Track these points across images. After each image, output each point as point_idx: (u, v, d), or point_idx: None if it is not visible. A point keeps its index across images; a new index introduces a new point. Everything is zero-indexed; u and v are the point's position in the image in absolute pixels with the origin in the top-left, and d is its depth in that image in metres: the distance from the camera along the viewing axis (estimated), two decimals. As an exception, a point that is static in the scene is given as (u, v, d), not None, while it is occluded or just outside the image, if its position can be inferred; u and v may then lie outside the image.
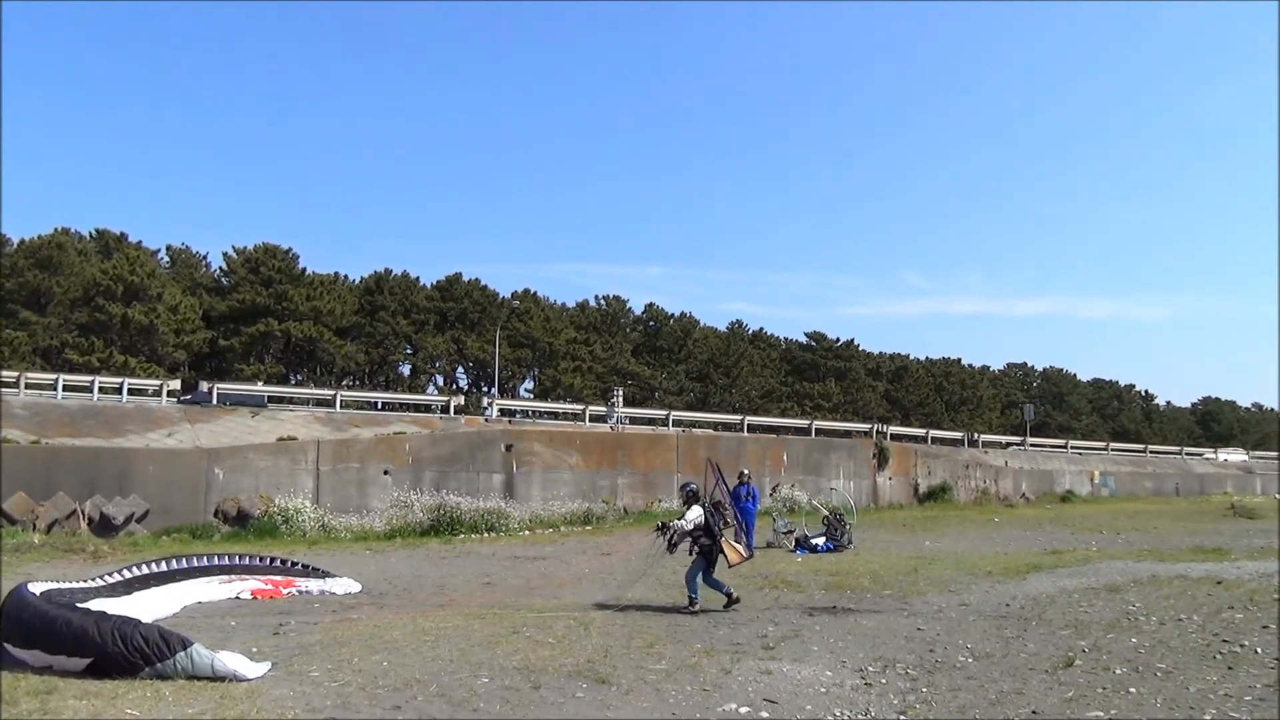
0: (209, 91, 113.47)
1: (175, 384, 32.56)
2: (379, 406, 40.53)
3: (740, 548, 13.00)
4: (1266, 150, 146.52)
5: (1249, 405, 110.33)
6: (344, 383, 54.18)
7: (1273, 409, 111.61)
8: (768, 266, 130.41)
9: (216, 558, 13.87)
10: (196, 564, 13.27)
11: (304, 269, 55.54)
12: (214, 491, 22.01)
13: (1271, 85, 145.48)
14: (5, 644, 8.37)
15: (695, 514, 12.58)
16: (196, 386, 32.49)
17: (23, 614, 8.43)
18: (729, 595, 12.45)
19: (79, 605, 8.96)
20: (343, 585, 14.01)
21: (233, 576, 13.37)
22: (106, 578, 11.61)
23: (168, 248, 57.28)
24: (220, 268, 56.93)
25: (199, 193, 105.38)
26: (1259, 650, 9.72)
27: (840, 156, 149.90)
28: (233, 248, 55.57)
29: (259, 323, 51.06)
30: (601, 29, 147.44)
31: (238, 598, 12.74)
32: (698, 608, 12.22)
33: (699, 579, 12.46)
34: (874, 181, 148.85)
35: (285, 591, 13.36)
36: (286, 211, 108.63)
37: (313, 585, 13.76)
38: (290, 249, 55.54)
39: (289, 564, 14.66)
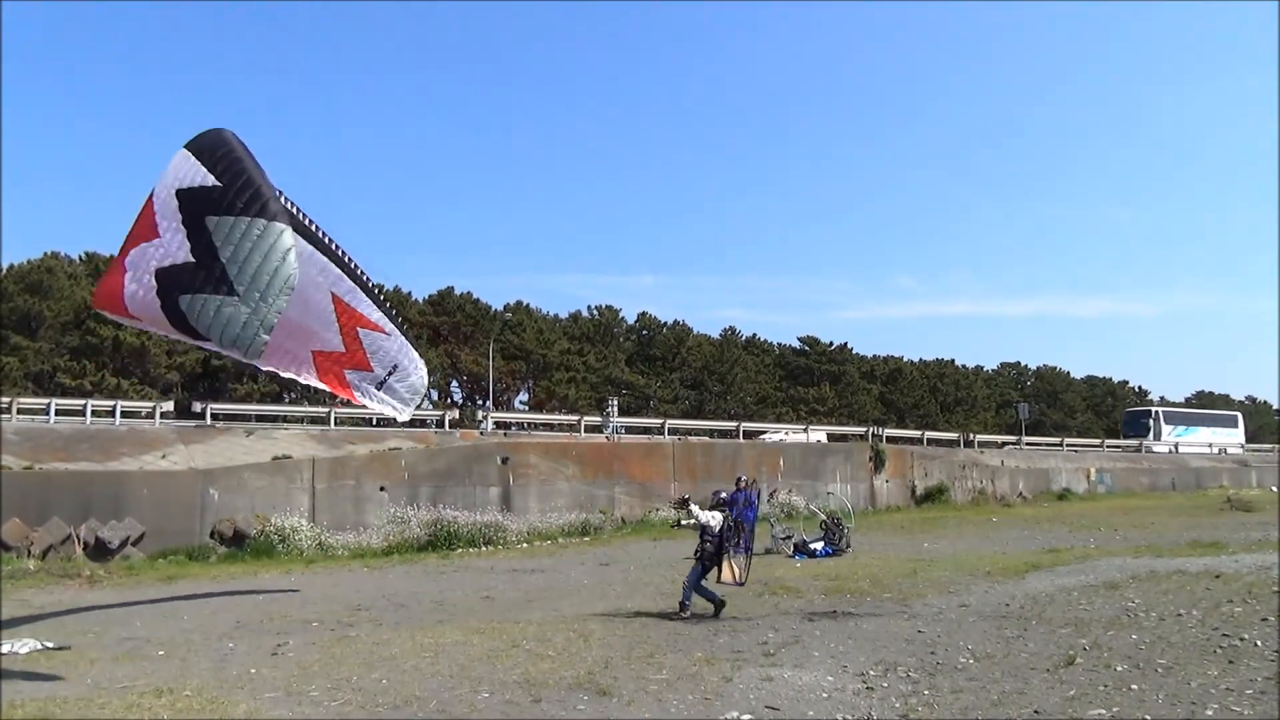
0: (196, 108, 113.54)
1: (168, 405, 32.44)
2: (374, 423, 40.32)
3: (739, 570, 12.97)
4: (1256, 147, 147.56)
5: (1243, 398, 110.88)
6: (338, 400, 53.98)
7: (1267, 402, 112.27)
8: (760, 272, 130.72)
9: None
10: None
11: (296, 287, 55.45)
12: (209, 512, 21.89)
13: (1261, 82, 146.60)
14: None
15: (717, 519, 12.71)
16: (189, 407, 32.37)
17: None
18: (716, 603, 12.45)
19: None
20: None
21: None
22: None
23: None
24: (212, 287, 56.84)
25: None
26: (1259, 643, 9.73)
27: (831, 161, 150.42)
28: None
29: (251, 341, 50.86)
30: (591, 39, 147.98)
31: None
32: (688, 613, 12.25)
33: (692, 584, 12.50)
34: (865, 185, 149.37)
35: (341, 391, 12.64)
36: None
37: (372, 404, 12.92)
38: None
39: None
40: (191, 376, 50.76)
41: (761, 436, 41.96)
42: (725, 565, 12.72)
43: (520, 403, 60.65)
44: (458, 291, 61.13)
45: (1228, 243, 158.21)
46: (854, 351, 75.85)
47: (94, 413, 29.16)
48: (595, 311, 67.09)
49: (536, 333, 59.95)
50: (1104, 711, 7.50)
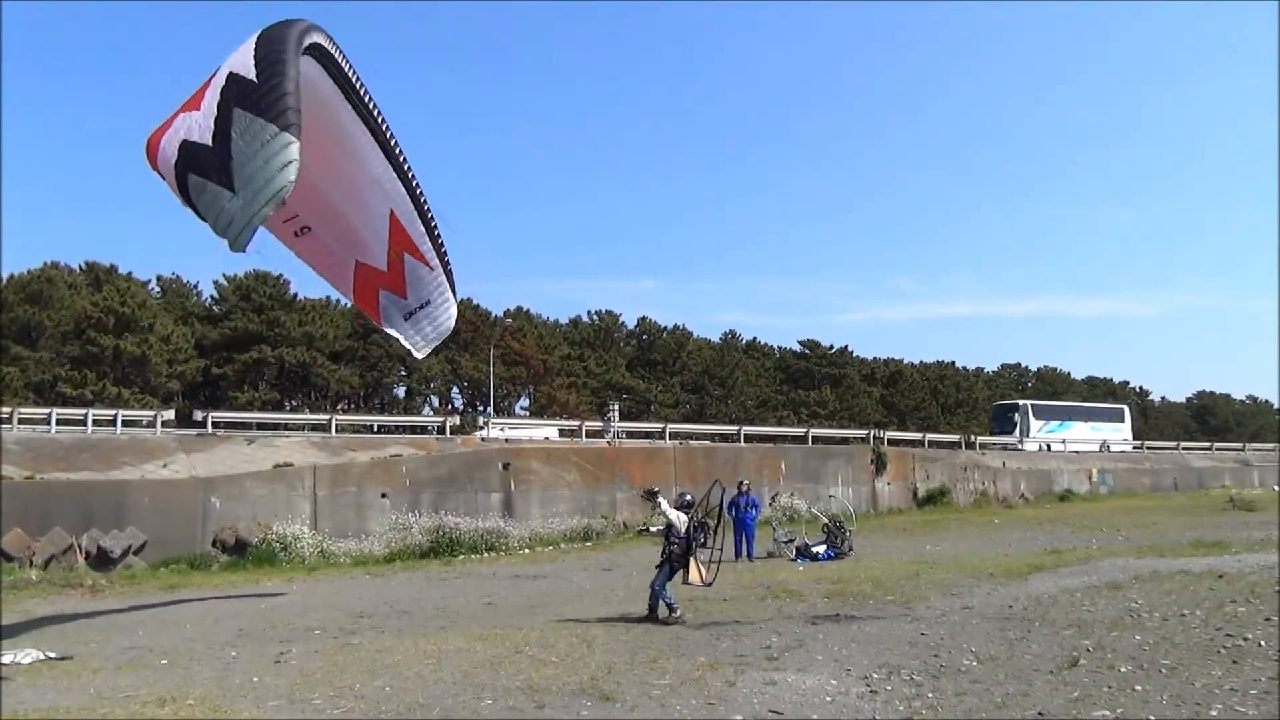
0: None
1: (169, 414, 32.43)
2: (375, 430, 40.46)
3: (705, 571, 12.97)
4: (1256, 146, 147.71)
5: (1244, 398, 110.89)
6: (339, 407, 54.08)
7: (1268, 401, 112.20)
8: (760, 274, 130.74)
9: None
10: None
11: (295, 294, 55.49)
12: (211, 521, 21.88)
13: (1261, 82, 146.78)
14: None
15: (679, 517, 12.75)
16: (190, 416, 32.37)
17: None
18: (671, 609, 12.34)
19: None
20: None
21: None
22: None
23: (158, 278, 57.27)
24: (212, 296, 56.91)
25: (190, 222, 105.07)
26: (1263, 643, 9.72)
27: (831, 163, 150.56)
28: (224, 276, 55.55)
29: (252, 350, 50.99)
30: (590, 41, 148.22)
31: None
32: (679, 613, 12.26)
33: (661, 586, 12.52)
34: (864, 186, 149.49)
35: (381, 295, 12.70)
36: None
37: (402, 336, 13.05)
38: (281, 275, 55.46)
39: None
40: (192, 385, 50.84)
41: None
42: (692, 566, 12.74)
43: (521, 408, 60.68)
44: (457, 297, 61.12)
45: (1228, 242, 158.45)
46: (854, 354, 75.98)
47: (95, 422, 29.16)
48: (595, 316, 67.20)
49: (537, 338, 60.01)
50: (1108, 713, 7.49)
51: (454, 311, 13.67)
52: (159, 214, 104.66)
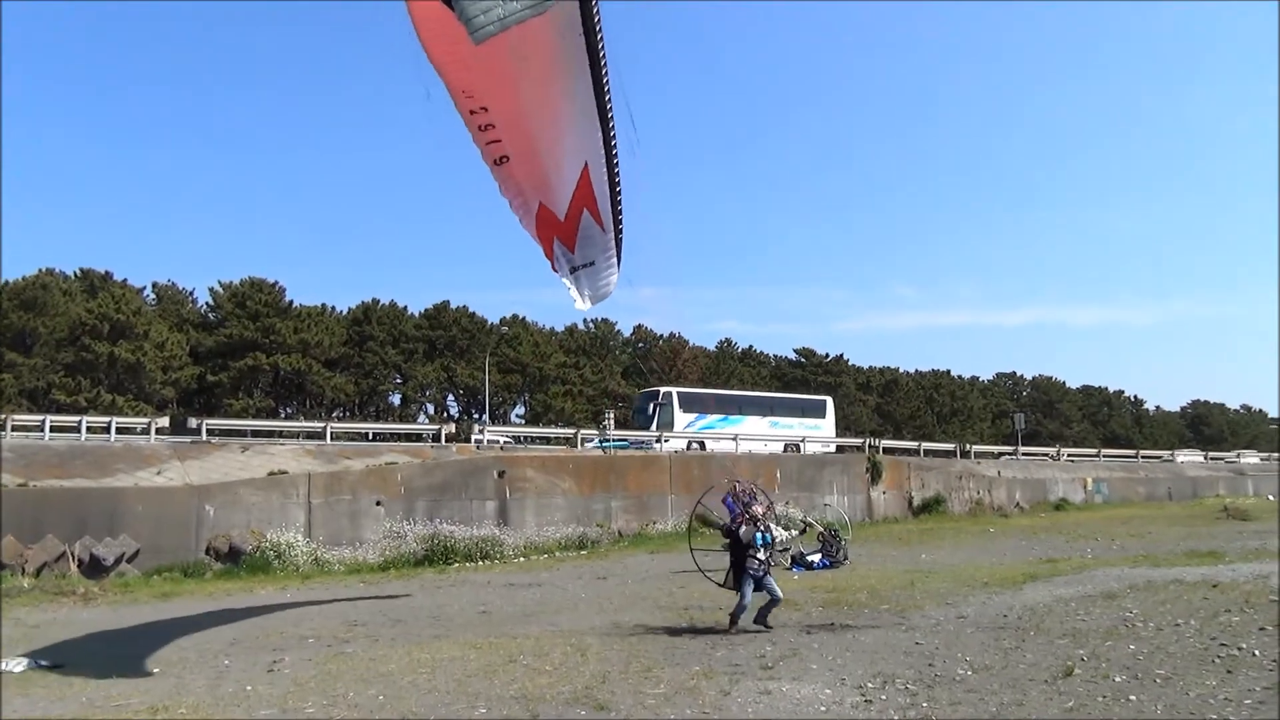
0: (189, 126, 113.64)
1: (163, 421, 32.35)
2: (370, 437, 40.24)
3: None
4: (1256, 154, 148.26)
5: (1238, 407, 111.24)
6: (334, 414, 54.05)
7: (1263, 410, 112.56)
8: (757, 283, 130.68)
9: None
10: None
11: (291, 301, 55.56)
12: (205, 528, 21.81)
13: (1259, 88, 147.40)
14: None
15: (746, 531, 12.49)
16: (185, 423, 32.26)
17: None
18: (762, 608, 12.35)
19: None
20: None
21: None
22: None
23: (153, 285, 57.31)
24: (207, 303, 56.93)
25: (185, 228, 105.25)
26: (1257, 653, 9.74)
27: (830, 170, 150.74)
28: (219, 283, 55.61)
29: (247, 357, 50.98)
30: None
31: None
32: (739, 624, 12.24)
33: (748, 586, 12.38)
34: (863, 195, 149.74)
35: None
36: (273, 244, 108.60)
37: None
38: (277, 282, 55.61)
39: None
40: (187, 392, 50.77)
41: None
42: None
43: (517, 416, 60.71)
44: (453, 305, 61.18)
45: (1226, 251, 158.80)
46: (850, 363, 76.06)
47: (89, 429, 29.04)
48: (591, 325, 67.23)
49: (532, 346, 60.03)
50: (1102, 722, 7.49)
51: (615, 279, 13.44)
52: (155, 221, 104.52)
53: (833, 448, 44.79)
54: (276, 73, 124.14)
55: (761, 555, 12.31)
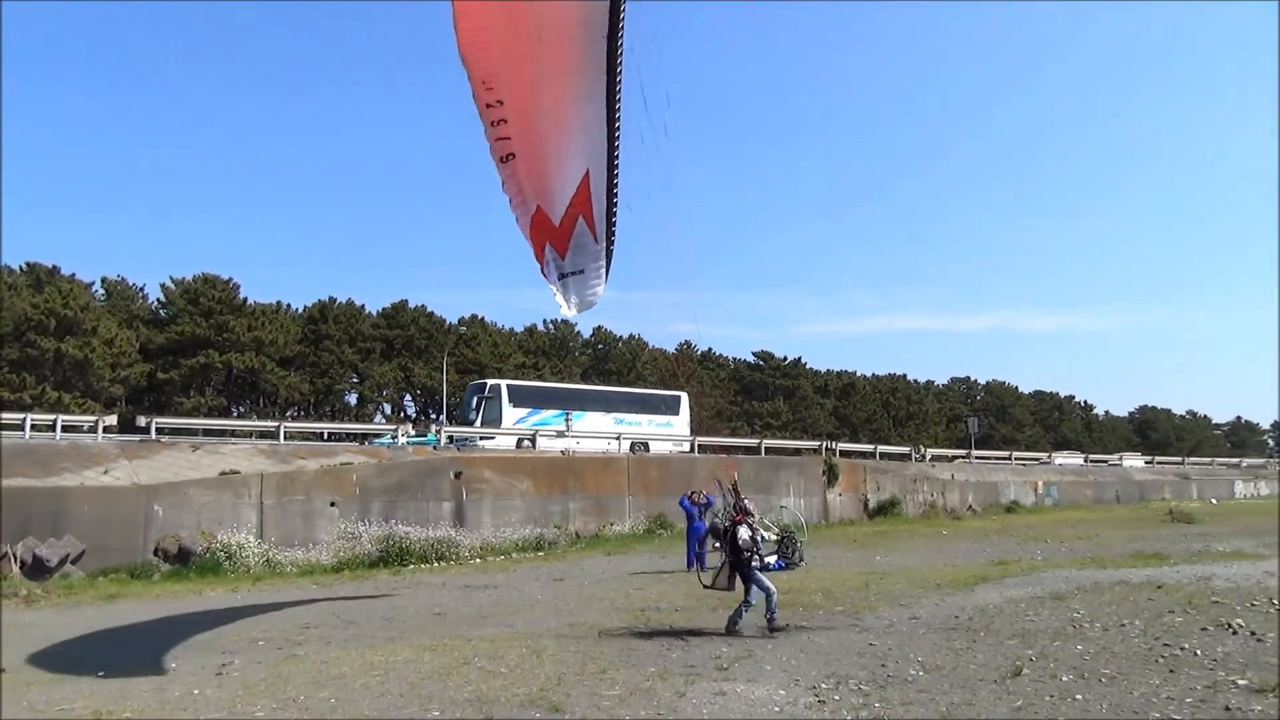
0: (142, 118, 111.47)
1: (111, 420, 31.64)
2: (325, 437, 39.86)
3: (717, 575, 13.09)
4: (1207, 165, 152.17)
5: (1184, 413, 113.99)
6: (288, 414, 53.26)
7: (1207, 416, 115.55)
8: (718, 288, 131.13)
9: None
10: None
11: (245, 299, 54.66)
12: (153, 529, 21.38)
13: (1210, 101, 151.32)
14: None
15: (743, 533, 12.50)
16: (134, 422, 31.55)
17: None
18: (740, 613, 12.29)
19: None
20: None
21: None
22: None
23: (103, 280, 55.96)
24: (158, 299, 55.77)
25: (137, 224, 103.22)
26: (1198, 653, 9.99)
27: (790, 176, 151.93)
28: (171, 279, 54.56)
29: (199, 355, 50.08)
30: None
31: None
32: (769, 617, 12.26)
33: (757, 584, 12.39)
34: (824, 200, 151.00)
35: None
36: (227, 240, 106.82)
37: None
38: (231, 279, 54.68)
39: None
40: (136, 390, 49.73)
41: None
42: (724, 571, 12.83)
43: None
44: (412, 305, 60.66)
45: (1177, 260, 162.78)
46: (808, 366, 76.62)
47: (34, 427, 28.32)
48: (551, 325, 67.00)
49: (491, 346, 59.68)
50: (1049, 721, 7.63)
51: (601, 290, 13.42)
52: (105, 216, 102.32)
53: (686, 447, 40.62)
54: (235, 66, 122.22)
55: (767, 556, 12.48)
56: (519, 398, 39.96)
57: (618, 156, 11.84)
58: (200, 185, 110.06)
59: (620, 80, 11.00)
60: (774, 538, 13.29)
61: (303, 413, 56.20)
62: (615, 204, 12.47)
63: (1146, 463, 67.49)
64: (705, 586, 13.48)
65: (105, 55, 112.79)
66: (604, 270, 13.23)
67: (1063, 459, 63.43)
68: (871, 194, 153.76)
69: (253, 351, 51.13)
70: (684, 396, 45.85)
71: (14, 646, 12.09)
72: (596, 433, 37.84)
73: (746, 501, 13.08)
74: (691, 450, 39.86)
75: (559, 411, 39.94)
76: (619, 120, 11.41)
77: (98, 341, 45.77)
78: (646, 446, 38.94)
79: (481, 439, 35.28)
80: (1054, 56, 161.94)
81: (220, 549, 21.11)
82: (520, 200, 12.14)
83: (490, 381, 41.55)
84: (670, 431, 42.62)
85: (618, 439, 37.14)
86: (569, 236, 12.42)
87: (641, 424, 41.95)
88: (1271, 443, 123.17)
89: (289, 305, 57.79)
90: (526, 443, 34.89)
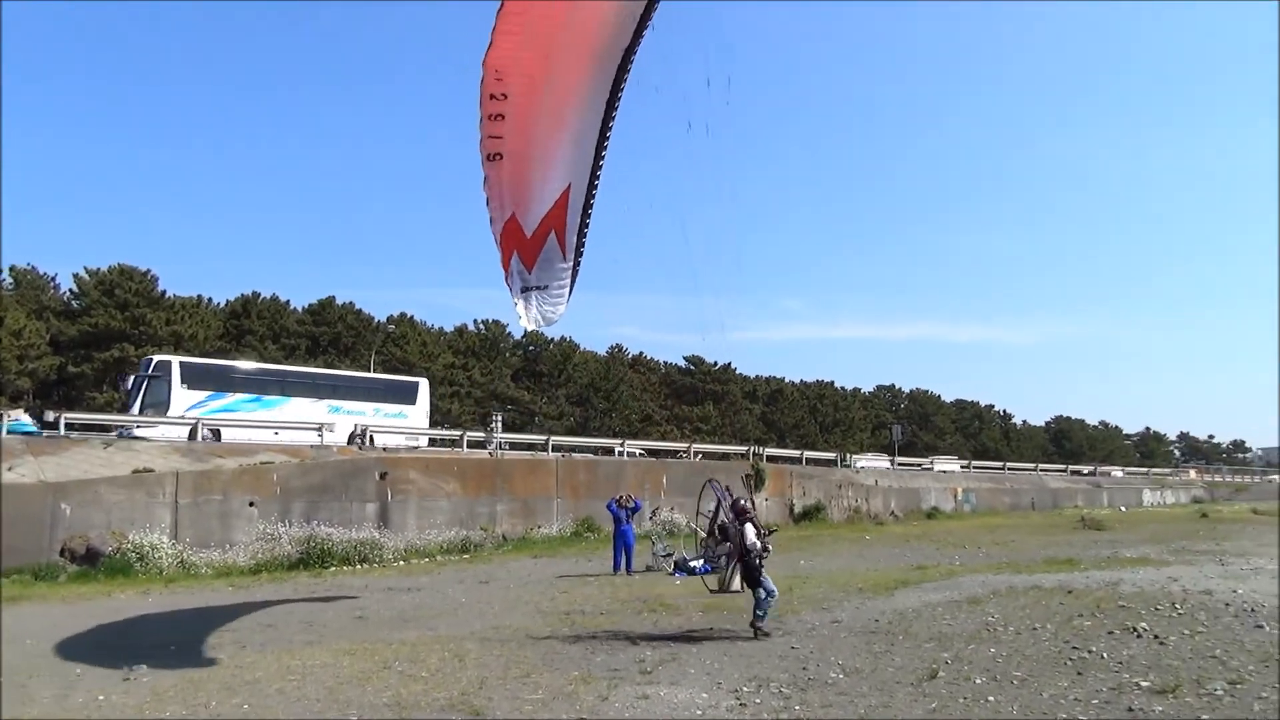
0: (58, 108, 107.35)
1: (18, 413, 30.34)
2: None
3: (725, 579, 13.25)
4: (1133, 179, 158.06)
5: (1096, 423, 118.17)
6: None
7: (1118, 426, 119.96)
8: (652, 291, 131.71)
9: None
10: None
11: (164, 292, 52.90)
12: (60, 528, 20.56)
13: (1132, 122, 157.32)
14: None
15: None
16: (41, 416, 30.21)
17: None
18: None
19: None
20: None
21: None
22: None
23: (11, 268, 53.51)
24: (71, 290, 53.61)
25: (47, 213, 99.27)
26: (1105, 655, 10.34)
27: (727, 184, 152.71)
28: (85, 269, 52.49)
29: (113, 348, 48.31)
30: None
31: None
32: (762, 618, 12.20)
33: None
34: (759, 211, 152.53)
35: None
36: (146, 233, 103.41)
37: None
38: (149, 271, 52.82)
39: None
40: (45, 384, 47.78)
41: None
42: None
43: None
44: (339, 302, 59.54)
45: (1095, 276, 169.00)
46: (738, 372, 77.26)
47: (-68, 420, 27.04)
48: (481, 326, 66.36)
49: (420, 346, 58.83)
50: (963, 723, 7.81)
51: (563, 310, 13.33)
52: (15, 200, 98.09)
53: (423, 441, 36.66)
54: (169, 56, 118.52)
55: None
56: (196, 378, 33.31)
57: (598, 178, 11.95)
58: (120, 176, 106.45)
59: (621, 96, 11.14)
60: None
61: (223, 410, 54.63)
62: (588, 224, 12.60)
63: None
64: (712, 591, 13.76)
65: (38, 41, 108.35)
66: (568, 289, 13.26)
67: (943, 465, 62.05)
68: (801, 208, 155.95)
69: (171, 346, 49.48)
70: (424, 383, 40.99)
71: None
72: (299, 423, 32.24)
73: (745, 501, 13.18)
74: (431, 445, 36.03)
75: (252, 396, 34.43)
76: (608, 142, 11.54)
77: (4, 332, 43.87)
78: (369, 439, 33.24)
79: (139, 428, 29.34)
80: (989, 76, 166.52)
81: (131, 550, 20.40)
82: (497, 204, 12.10)
83: (157, 357, 34.37)
84: (404, 423, 37.81)
85: (319, 429, 31.50)
86: (539, 250, 12.48)
87: (366, 413, 36.27)
88: (1178, 453, 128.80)
89: (210, 299, 56.22)
90: (208, 434, 29.23)
